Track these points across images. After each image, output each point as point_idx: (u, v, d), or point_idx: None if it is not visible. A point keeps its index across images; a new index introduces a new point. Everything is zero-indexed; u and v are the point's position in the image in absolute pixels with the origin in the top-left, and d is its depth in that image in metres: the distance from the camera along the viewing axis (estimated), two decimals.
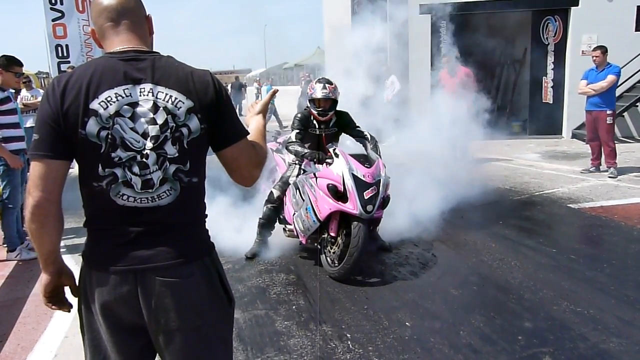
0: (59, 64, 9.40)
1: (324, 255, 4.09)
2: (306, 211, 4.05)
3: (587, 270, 3.96)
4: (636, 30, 10.52)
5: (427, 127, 7.31)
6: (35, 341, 3.15)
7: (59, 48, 9.46)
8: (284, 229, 4.49)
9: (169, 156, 1.43)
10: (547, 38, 11.08)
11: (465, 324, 3.19)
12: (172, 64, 1.48)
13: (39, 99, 7.23)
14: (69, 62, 9.31)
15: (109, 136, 1.38)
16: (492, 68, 12.92)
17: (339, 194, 3.86)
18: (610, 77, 6.95)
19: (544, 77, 11.23)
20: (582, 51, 10.49)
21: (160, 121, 1.41)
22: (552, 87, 11.16)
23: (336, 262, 3.94)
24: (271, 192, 4.49)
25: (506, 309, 3.39)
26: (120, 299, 1.44)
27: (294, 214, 4.23)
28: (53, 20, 9.38)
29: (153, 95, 1.41)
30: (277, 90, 1.77)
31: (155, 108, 1.41)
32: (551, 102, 11.20)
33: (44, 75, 19.62)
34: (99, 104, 1.38)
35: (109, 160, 1.40)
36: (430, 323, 3.22)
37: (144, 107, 1.41)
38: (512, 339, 2.99)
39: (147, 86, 1.41)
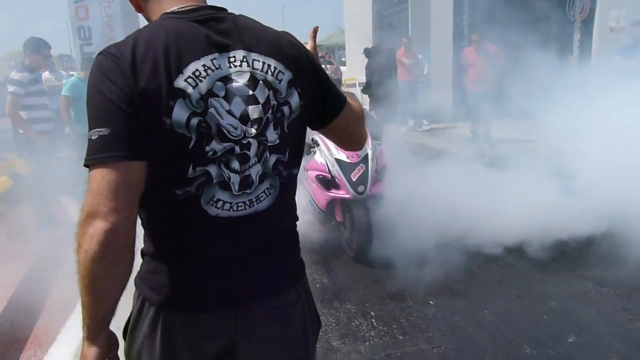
0: (81, 46, 9.51)
1: (343, 239, 4.10)
2: (310, 204, 4.07)
3: (614, 250, 3.89)
4: None
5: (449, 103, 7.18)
6: (67, 317, 3.24)
7: (82, 30, 9.57)
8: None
9: (269, 144, 1.10)
10: (573, 15, 10.77)
11: (490, 302, 3.19)
12: (254, 24, 1.13)
13: (63, 81, 7.33)
14: (91, 44, 9.40)
15: (202, 124, 1.02)
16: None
17: (330, 183, 3.84)
18: None
19: (569, 56, 10.95)
20: (610, 28, 10.19)
21: (262, 99, 1.07)
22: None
23: (350, 244, 3.97)
24: None
25: (530, 288, 3.37)
26: (213, 341, 1.13)
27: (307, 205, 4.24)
28: (75, 2, 9.47)
29: (249, 66, 1.06)
30: (317, 28, 1.39)
31: (254, 82, 1.06)
32: None
33: (66, 58, 19.78)
34: (185, 80, 1.00)
35: (202, 156, 1.04)
36: (454, 302, 3.23)
37: (239, 81, 1.05)
38: (537, 317, 2.99)
39: (239, 54, 1.06)
